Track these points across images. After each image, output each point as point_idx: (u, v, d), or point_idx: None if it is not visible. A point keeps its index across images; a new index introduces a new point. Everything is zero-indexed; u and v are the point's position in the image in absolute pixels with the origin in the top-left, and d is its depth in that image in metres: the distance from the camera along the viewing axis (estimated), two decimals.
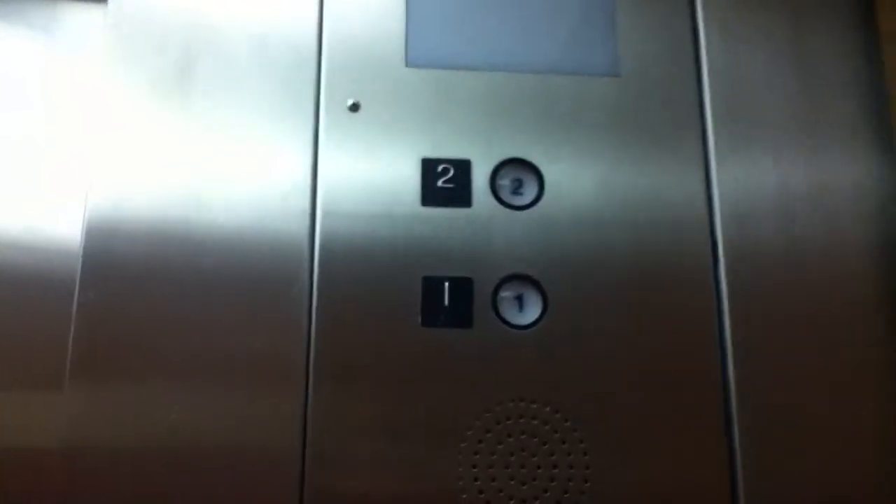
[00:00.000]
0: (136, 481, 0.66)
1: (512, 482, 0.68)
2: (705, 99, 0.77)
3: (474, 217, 0.73)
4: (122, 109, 0.74)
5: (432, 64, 0.76)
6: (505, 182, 0.74)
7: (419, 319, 0.70)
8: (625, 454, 0.69)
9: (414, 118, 0.75)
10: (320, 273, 0.70)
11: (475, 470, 0.68)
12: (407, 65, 0.76)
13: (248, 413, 0.67)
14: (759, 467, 0.69)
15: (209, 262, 0.70)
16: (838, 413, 0.71)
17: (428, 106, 0.75)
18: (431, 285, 0.71)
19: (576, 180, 0.74)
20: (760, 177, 0.76)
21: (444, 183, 0.73)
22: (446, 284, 0.71)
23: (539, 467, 0.68)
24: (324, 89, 0.75)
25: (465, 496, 0.67)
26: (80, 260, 0.69)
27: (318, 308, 0.70)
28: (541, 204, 0.74)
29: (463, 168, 0.74)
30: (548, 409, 0.69)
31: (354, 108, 0.75)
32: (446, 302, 0.70)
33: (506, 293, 0.72)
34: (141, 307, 0.69)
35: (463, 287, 0.71)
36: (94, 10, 0.80)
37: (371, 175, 0.73)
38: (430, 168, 0.74)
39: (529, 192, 0.74)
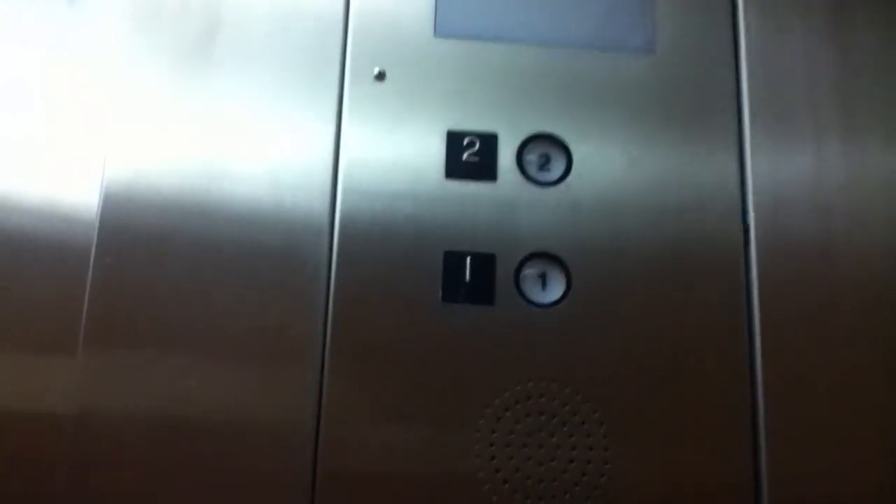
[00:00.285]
0: (147, 449, 0.65)
1: (529, 462, 0.66)
2: (742, 80, 0.75)
3: (499, 192, 0.71)
4: (141, 78, 0.72)
5: (461, 35, 0.75)
6: (532, 157, 0.73)
7: (440, 295, 0.68)
8: (645, 439, 0.67)
9: (441, 89, 0.73)
10: (339, 249, 0.69)
11: (492, 449, 0.66)
12: (435, 35, 0.74)
13: (262, 390, 0.66)
14: (784, 456, 0.67)
15: (226, 235, 0.69)
16: (867, 406, 0.69)
17: (455, 77, 0.74)
18: (453, 261, 0.69)
19: (605, 159, 0.73)
20: (797, 163, 0.74)
21: (469, 156, 0.72)
22: (468, 260, 0.69)
23: (558, 448, 0.67)
24: (350, 57, 0.74)
25: (481, 475, 0.66)
26: (97, 227, 0.69)
27: (335, 285, 0.68)
28: (568, 181, 0.72)
29: (489, 142, 0.72)
30: (568, 389, 0.68)
31: (380, 76, 0.73)
32: (468, 278, 0.69)
33: (529, 271, 0.70)
34: (156, 277, 0.68)
35: (485, 263, 0.69)
36: None
37: (395, 147, 0.72)
38: (455, 141, 0.72)
39: (556, 169, 0.72)
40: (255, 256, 0.69)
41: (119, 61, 0.73)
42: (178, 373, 0.66)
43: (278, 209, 0.70)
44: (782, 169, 0.74)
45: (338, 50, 0.74)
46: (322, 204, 0.70)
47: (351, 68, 0.73)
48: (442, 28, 0.75)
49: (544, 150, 0.73)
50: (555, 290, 0.70)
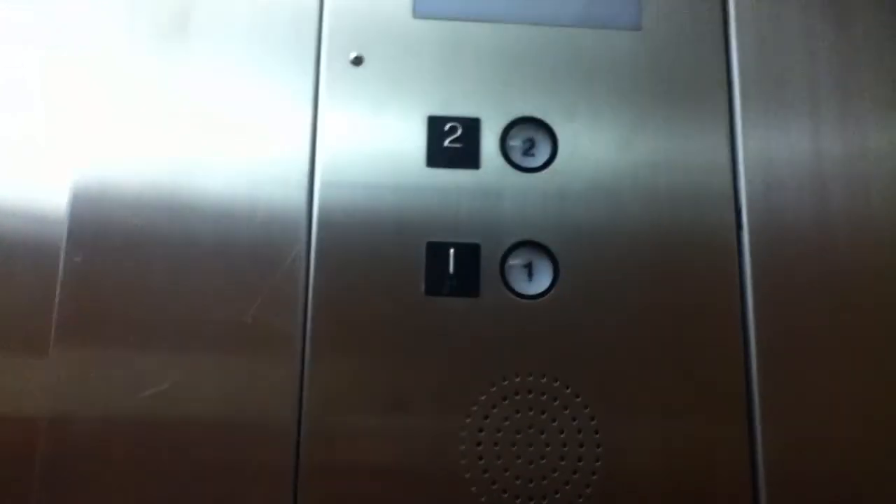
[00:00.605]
0: (125, 449, 0.63)
1: (519, 461, 0.64)
2: (732, 56, 0.72)
3: (482, 179, 0.68)
4: (111, 66, 0.69)
5: (441, 14, 0.72)
6: (516, 142, 0.70)
7: (423, 288, 0.66)
8: (639, 433, 0.65)
9: (421, 73, 0.70)
10: (318, 241, 0.66)
11: (479, 448, 0.64)
12: (414, 15, 0.71)
13: (242, 386, 0.64)
14: (780, 446, 0.65)
15: (201, 229, 0.67)
16: (864, 392, 0.67)
17: (436, 60, 0.71)
18: (436, 252, 0.67)
19: (592, 141, 0.70)
20: (791, 142, 0.71)
21: (451, 142, 0.69)
22: (452, 251, 0.67)
23: (548, 446, 0.64)
24: (325, 42, 0.71)
25: (468, 475, 0.63)
26: (66, 225, 0.66)
27: (314, 278, 0.66)
28: (554, 166, 0.69)
29: (472, 127, 0.69)
30: (557, 384, 0.65)
31: (357, 61, 0.70)
32: (452, 269, 0.66)
33: (515, 261, 0.67)
34: (130, 274, 0.66)
35: (469, 253, 0.67)
36: None
37: (374, 134, 0.69)
38: (436, 126, 0.69)
39: (542, 154, 0.69)
40: (231, 250, 0.66)
41: (86, 53, 0.70)
42: (155, 370, 0.64)
43: (254, 201, 0.67)
44: (777, 147, 0.71)
45: (313, 34, 0.71)
46: (299, 195, 0.68)
47: (327, 53, 0.70)
48: (421, 8, 0.72)
49: (529, 134, 0.70)
50: (542, 281, 0.67)
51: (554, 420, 0.65)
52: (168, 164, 0.68)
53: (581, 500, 0.64)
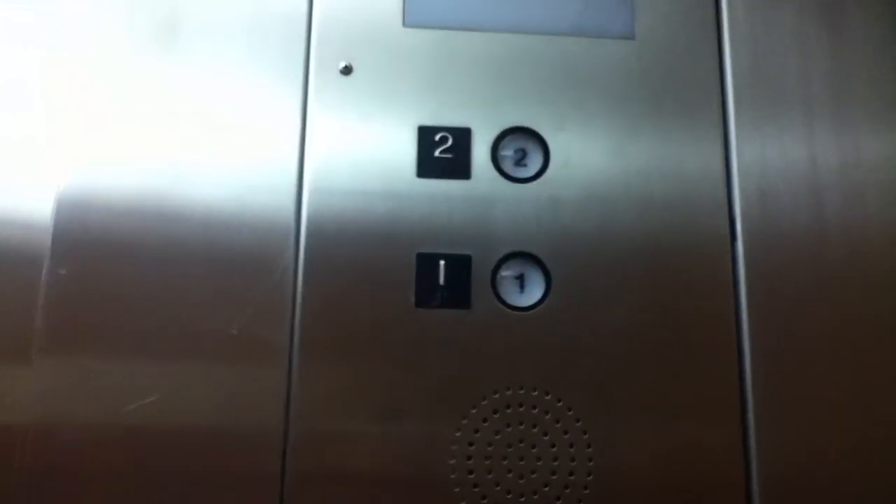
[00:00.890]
0: (111, 461, 0.62)
1: (510, 475, 0.63)
2: (726, 64, 0.71)
3: (473, 190, 0.68)
4: (99, 72, 0.69)
5: (432, 24, 0.71)
6: (507, 152, 0.69)
7: (413, 299, 0.65)
8: (632, 447, 0.64)
9: (411, 82, 0.70)
10: (307, 251, 0.66)
11: (470, 462, 0.63)
12: (404, 24, 0.71)
13: (229, 395, 0.64)
14: (774, 456, 0.65)
15: (188, 238, 0.66)
16: (857, 400, 0.66)
17: (426, 69, 0.70)
18: (426, 263, 0.66)
19: (584, 151, 0.69)
20: (786, 150, 0.70)
21: (441, 153, 0.68)
22: (442, 262, 0.66)
23: (539, 459, 0.64)
24: (314, 51, 0.70)
25: (458, 489, 0.63)
26: (51, 233, 0.66)
27: (303, 288, 0.65)
28: (546, 176, 0.68)
29: (462, 137, 0.69)
30: (549, 397, 0.64)
31: (347, 71, 0.69)
32: (442, 281, 0.66)
33: (506, 272, 0.67)
34: (117, 283, 0.65)
35: (460, 265, 0.66)
36: None
37: (364, 143, 0.68)
38: (426, 136, 0.68)
39: (534, 164, 0.69)
40: (219, 259, 0.66)
41: (77, 60, 0.69)
42: (142, 380, 0.64)
43: (243, 211, 0.67)
44: (771, 156, 0.70)
45: (302, 43, 0.70)
46: (288, 204, 0.67)
47: (316, 62, 0.70)
48: (411, 17, 0.71)
49: (520, 144, 0.69)
50: (534, 292, 0.66)
51: (545, 433, 0.64)
52: (155, 172, 0.67)
53: None
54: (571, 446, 0.64)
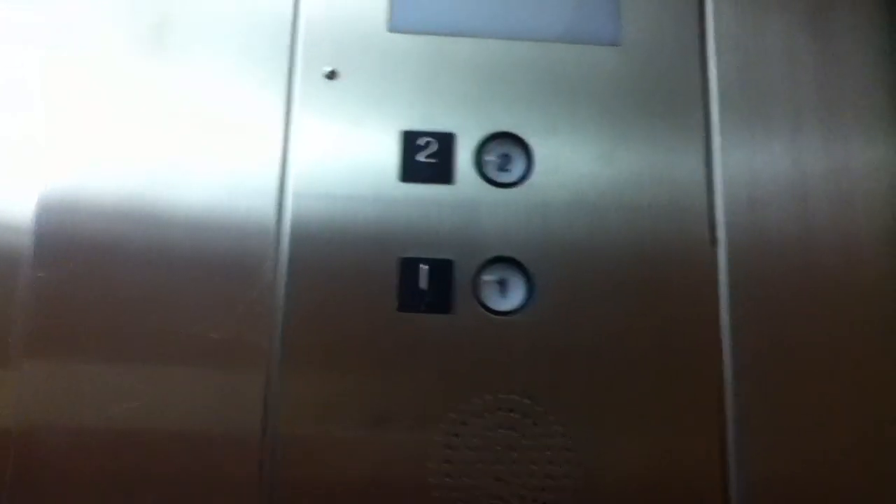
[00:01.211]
0: (94, 465, 0.63)
1: (489, 480, 0.63)
2: (711, 71, 0.71)
3: (456, 195, 0.68)
4: (83, 75, 0.69)
5: (418, 29, 0.71)
6: (491, 158, 0.69)
7: (395, 304, 0.65)
8: (612, 453, 0.64)
9: (396, 87, 0.70)
10: (290, 255, 0.66)
11: (448, 466, 0.63)
12: (390, 29, 0.71)
13: (213, 400, 0.64)
14: (755, 463, 0.65)
15: (173, 242, 0.66)
16: (840, 408, 0.66)
17: (411, 74, 0.70)
18: (408, 268, 0.66)
19: (568, 157, 0.69)
20: (773, 157, 0.70)
21: (425, 158, 0.68)
22: (425, 267, 0.66)
23: (519, 465, 0.64)
24: (299, 55, 0.70)
25: (436, 494, 0.63)
26: (33, 236, 0.66)
27: (287, 293, 0.65)
28: (529, 182, 0.69)
29: (446, 142, 0.69)
30: (529, 402, 0.64)
31: (331, 75, 0.70)
32: (424, 285, 0.66)
33: (488, 277, 0.67)
34: (101, 286, 0.65)
35: (442, 270, 0.66)
36: None
37: (348, 148, 0.69)
38: (410, 141, 0.69)
39: (517, 169, 0.69)
40: (203, 263, 0.66)
41: (59, 56, 0.70)
42: (126, 385, 0.64)
43: (227, 214, 0.67)
44: (759, 162, 0.70)
45: (287, 48, 0.70)
46: (272, 208, 0.67)
47: (301, 66, 0.70)
48: (396, 22, 0.71)
49: (504, 149, 0.69)
50: (515, 297, 0.66)
51: (526, 438, 0.64)
52: (139, 175, 0.67)
53: None
54: (551, 451, 0.64)
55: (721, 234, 0.68)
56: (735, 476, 0.64)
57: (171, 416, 0.64)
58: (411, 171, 0.68)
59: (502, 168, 0.69)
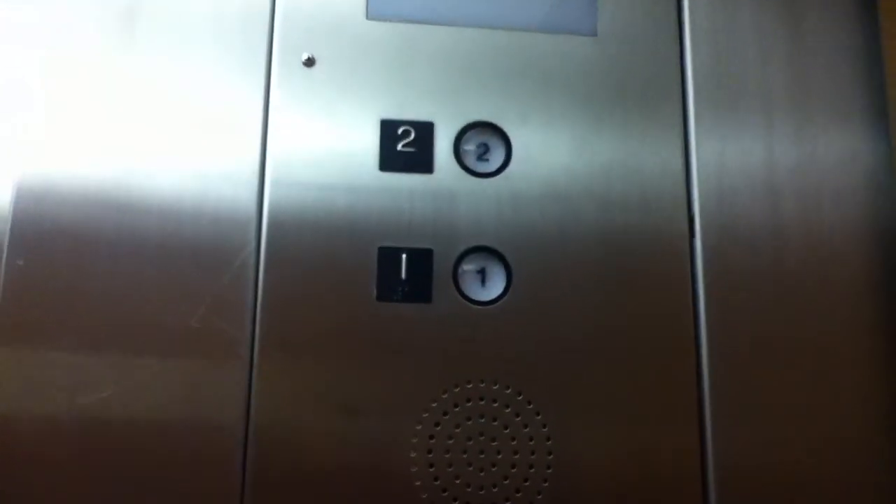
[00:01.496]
0: (67, 454, 0.62)
1: (470, 468, 0.63)
2: (686, 62, 0.72)
3: (436, 184, 0.68)
4: (56, 63, 0.67)
5: (395, 16, 0.71)
6: (470, 147, 0.69)
7: (374, 293, 0.65)
8: (590, 440, 0.65)
9: (374, 76, 0.69)
10: (268, 244, 0.65)
11: (430, 455, 0.63)
12: (368, 17, 0.70)
13: (189, 389, 0.63)
14: (731, 452, 0.66)
15: (148, 230, 0.65)
16: (815, 399, 0.68)
17: (389, 62, 0.70)
18: (388, 257, 0.66)
19: (546, 146, 0.69)
20: (744, 148, 0.71)
21: (404, 147, 0.68)
22: (404, 256, 0.66)
23: (499, 453, 0.64)
24: (277, 42, 0.69)
25: (418, 483, 0.63)
26: (9, 224, 0.65)
27: (264, 281, 0.65)
28: (507, 171, 0.69)
29: (425, 131, 0.68)
30: (509, 391, 0.65)
31: (309, 62, 0.69)
32: (403, 275, 0.65)
33: (468, 266, 0.67)
34: (73, 276, 0.64)
35: (422, 259, 0.66)
36: None
37: (327, 137, 0.68)
38: (389, 130, 0.68)
39: (496, 159, 0.69)
40: (179, 252, 0.65)
41: (30, 43, 0.68)
42: (99, 374, 0.63)
43: (203, 202, 0.66)
44: (730, 153, 0.71)
45: (265, 35, 0.69)
46: (249, 197, 0.66)
47: (279, 54, 0.69)
48: (374, 10, 0.71)
49: (483, 138, 0.69)
50: (495, 286, 0.67)
51: (506, 427, 0.64)
52: (116, 163, 0.66)
53: None
54: (531, 440, 0.64)
55: (697, 224, 0.69)
56: (713, 463, 0.65)
57: (147, 404, 0.63)
58: (391, 160, 0.68)
59: (481, 157, 0.69)
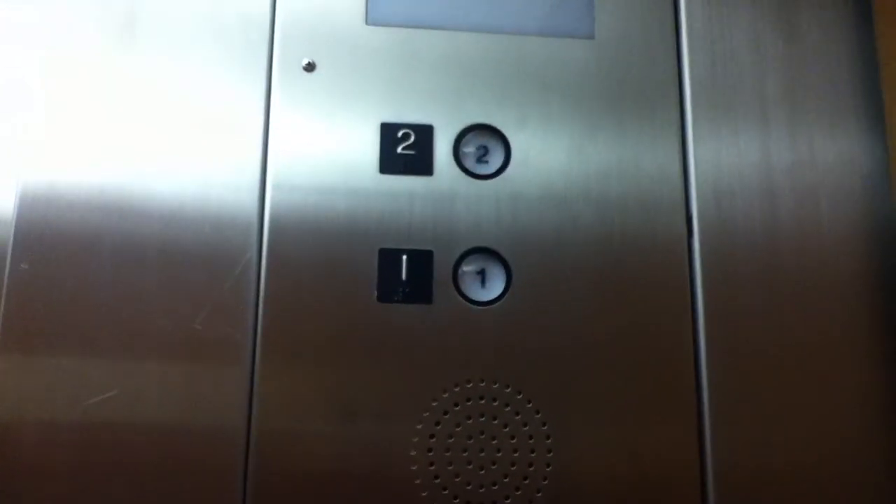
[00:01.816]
0: (70, 458, 0.62)
1: (470, 467, 0.64)
2: (684, 65, 0.73)
3: (435, 186, 0.68)
4: (57, 63, 0.68)
5: (395, 22, 0.72)
6: (469, 149, 0.70)
7: (375, 295, 0.66)
8: (590, 439, 0.65)
9: (374, 80, 0.70)
10: (269, 247, 0.66)
11: (431, 454, 0.64)
12: (367, 22, 0.71)
13: (191, 393, 0.64)
14: (730, 451, 0.66)
15: (150, 234, 0.66)
16: (812, 399, 0.68)
17: (389, 67, 0.70)
18: (388, 258, 0.66)
19: (544, 149, 0.70)
20: (741, 150, 0.72)
21: (404, 149, 0.69)
22: (404, 257, 0.66)
23: (499, 452, 0.64)
24: (277, 48, 0.70)
25: (418, 481, 0.63)
26: (13, 230, 0.65)
27: (265, 284, 0.65)
28: (506, 173, 0.69)
29: (425, 134, 0.69)
30: (509, 390, 0.65)
31: (310, 67, 0.70)
32: (404, 276, 0.66)
33: (468, 267, 0.67)
34: (76, 280, 0.65)
35: (422, 260, 0.67)
36: None
37: (327, 140, 0.69)
38: (389, 133, 0.69)
39: (495, 161, 0.70)
40: (181, 256, 0.66)
41: (32, 50, 0.69)
42: (102, 378, 0.63)
43: (205, 207, 0.67)
44: (727, 155, 0.72)
45: (265, 40, 0.70)
46: (251, 200, 0.67)
47: (279, 59, 0.70)
48: (374, 15, 0.71)
49: (482, 141, 0.70)
50: (495, 287, 0.67)
51: (505, 426, 0.65)
52: (116, 167, 0.67)
53: None
54: (531, 438, 0.65)
55: (695, 225, 0.69)
56: (711, 463, 0.65)
57: (150, 407, 0.63)
58: (391, 162, 0.68)
59: (480, 160, 0.70)
